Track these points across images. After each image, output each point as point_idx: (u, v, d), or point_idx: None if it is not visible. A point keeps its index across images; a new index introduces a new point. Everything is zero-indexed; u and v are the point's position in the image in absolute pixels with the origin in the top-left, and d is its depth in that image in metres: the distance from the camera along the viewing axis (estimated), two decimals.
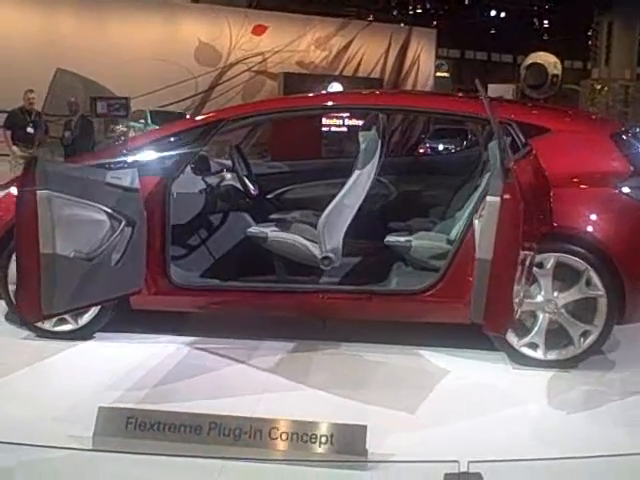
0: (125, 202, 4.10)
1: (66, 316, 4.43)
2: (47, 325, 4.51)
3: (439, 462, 2.99)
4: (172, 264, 4.55)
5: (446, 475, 2.87)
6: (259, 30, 22.88)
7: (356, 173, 4.57)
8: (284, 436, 3.12)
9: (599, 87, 24.12)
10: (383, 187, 5.62)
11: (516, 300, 3.62)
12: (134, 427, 3.20)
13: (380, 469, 3.11)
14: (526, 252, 3.67)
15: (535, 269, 4.07)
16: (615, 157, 4.38)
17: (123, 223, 4.04)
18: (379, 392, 3.97)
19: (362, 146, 4.61)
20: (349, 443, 3.10)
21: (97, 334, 4.63)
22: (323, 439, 3.09)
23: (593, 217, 4.28)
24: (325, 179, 5.60)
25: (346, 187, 4.57)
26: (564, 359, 4.28)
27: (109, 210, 4.01)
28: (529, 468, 3.14)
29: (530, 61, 21.69)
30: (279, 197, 5.74)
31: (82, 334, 4.58)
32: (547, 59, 21.51)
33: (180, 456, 3.11)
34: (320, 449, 3.09)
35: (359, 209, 4.63)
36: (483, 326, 3.64)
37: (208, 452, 3.13)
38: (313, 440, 3.09)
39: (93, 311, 4.50)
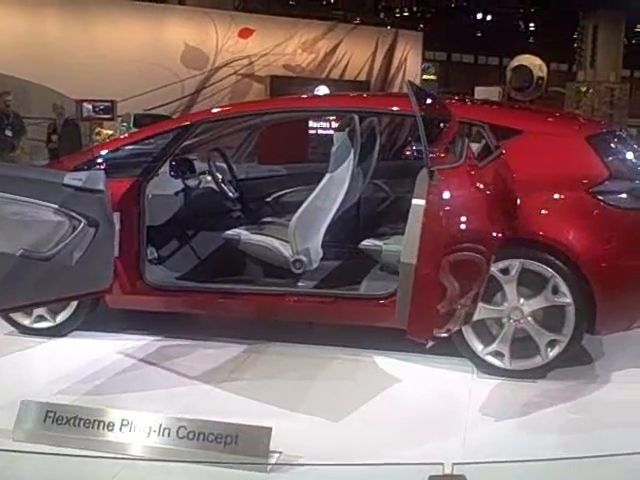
0: (86, 203, 4.11)
1: (44, 313, 4.61)
2: (27, 322, 4.66)
3: (423, 464, 3.00)
4: (147, 265, 4.60)
5: (431, 477, 2.87)
6: (246, 33, 22.87)
7: (327, 176, 4.57)
8: (191, 435, 3.12)
9: (584, 89, 24.26)
10: (378, 190, 5.61)
11: (455, 307, 3.52)
12: (52, 421, 3.26)
13: (283, 471, 3.09)
14: (472, 256, 3.57)
15: (500, 275, 4.01)
16: (589, 160, 4.18)
17: (83, 223, 4.06)
18: (310, 394, 3.95)
19: (332, 148, 4.59)
20: (253, 444, 3.09)
21: (78, 332, 4.72)
22: (228, 439, 3.09)
23: (561, 222, 4.10)
24: (311, 183, 5.60)
25: (317, 190, 4.57)
26: (531, 369, 4.11)
27: (65, 210, 4.02)
28: (513, 470, 3.15)
29: (516, 63, 21.77)
30: (262, 200, 5.74)
31: (59, 331, 4.69)
32: (533, 62, 21.59)
33: (78, 456, 3.14)
34: (225, 449, 3.09)
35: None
36: (407, 331, 3.51)
37: (117, 449, 3.16)
38: (219, 440, 3.10)
39: (69, 309, 4.62)
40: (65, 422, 3.24)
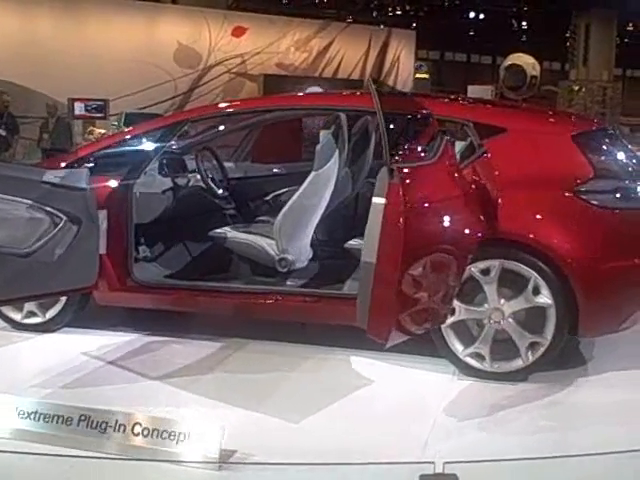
0: (67, 200, 4.13)
1: (35, 309, 4.67)
2: (18, 317, 4.75)
3: (414, 463, 3.00)
4: (135, 263, 4.63)
5: (422, 476, 2.88)
6: (238, 32, 22.81)
7: (312, 174, 4.56)
8: (145, 432, 3.15)
9: (577, 88, 24.29)
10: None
11: (421, 307, 3.50)
12: (16, 415, 3.29)
13: (234, 470, 3.09)
14: (440, 256, 3.54)
15: (480, 276, 3.97)
16: (574, 159, 4.10)
17: (64, 220, 4.08)
18: (279, 393, 3.97)
19: (317, 147, 4.57)
20: (205, 442, 3.10)
21: (68, 329, 4.79)
22: (181, 437, 3.11)
23: (542, 222, 4.02)
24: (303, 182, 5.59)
25: (301, 189, 4.57)
26: (512, 371, 4.05)
27: (43, 207, 4.04)
28: (504, 468, 3.15)
29: (509, 62, 21.77)
30: (255, 199, 5.73)
31: (48, 327, 4.75)
32: (526, 60, 21.60)
33: (31, 454, 3.17)
34: (177, 446, 3.11)
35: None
36: (366, 331, 3.49)
37: (74, 444, 3.19)
38: (172, 437, 3.12)
39: (57, 306, 4.68)
40: (26, 416, 3.27)
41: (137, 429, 3.15)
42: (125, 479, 3.08)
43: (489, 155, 4.10)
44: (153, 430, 3.14)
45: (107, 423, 3.20)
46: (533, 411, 3.77)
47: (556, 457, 3.23)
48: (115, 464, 3.12)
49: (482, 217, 3.86)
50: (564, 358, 4.25)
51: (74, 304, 4.69)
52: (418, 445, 3.29)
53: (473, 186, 3.99)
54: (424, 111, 4.20)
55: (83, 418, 3.23)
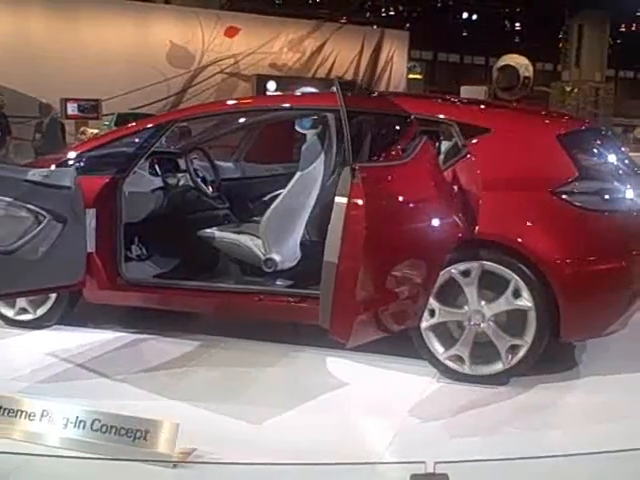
0: (51, 198, 4.15)
1: (27, 306, 4.73)
2: (10, 313, 4.79)
3: (405, 463, 3.00)
4: (124, 261, 4.64)
5: (413, 476, 2.87)
6: (231, 32, 22.81)
7: (297, 175, 4.55)
8: (104, 428, 3.16)
9: (569, 89, 24.37)
10: None
11: (388, 308, 3.48)
12: None
13: (188, 468, 3.09)
14: (407, 256, 3.52)
15: (460, 277, 3.92)
16: (558, 159, 4.02)
17: (47, 218, 4.10)
18: (250, 392, 3.95)
19: (303, 147, 4.57)
20: (160, 440, 3.10)
21: (58, 326, 4.82)
22: (138, 434, 3.13)
23: (522, 223, 3.95)
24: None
25: (286, 189, 4.56)
26: (492, 375, 3.95)
27: (24, 205, 4.06)
28: (495, 468, 3.15)
29: (502, 63, 21.68)
30: (247, 200, 5.72)
31: (39, 324, 4.79)
32: (519, 61, 21.52)
33: None
34: (134, 444, 3.12)
35: None
36: (329, 330, 3.47)
37: (35, 439, 3.20)
38: (129, 435, 3.13)
39: (48, 304, 4.73)
40: None
41: (96, 425, 3.18)
42: (80, 476, 3.09)
43: (472, 156, 4.05)
44: (111, 427, 3.16)
45: (68, 419, 3.22)
46: (507, 412, 3.74)
47: (548, 457, 3.22)
48: (71, 462, 3.11)
49: (461, 218, 3.82)
50: (553, 359, 4.22)
51: (63, 302, 4.73)
52: (382, 445, 3.29)
53: (455, 187, 3.94)
54: (403, 112, 4.19)
55: (45, 413, 3.25)
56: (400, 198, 3.55)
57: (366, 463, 3.13)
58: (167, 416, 3.21)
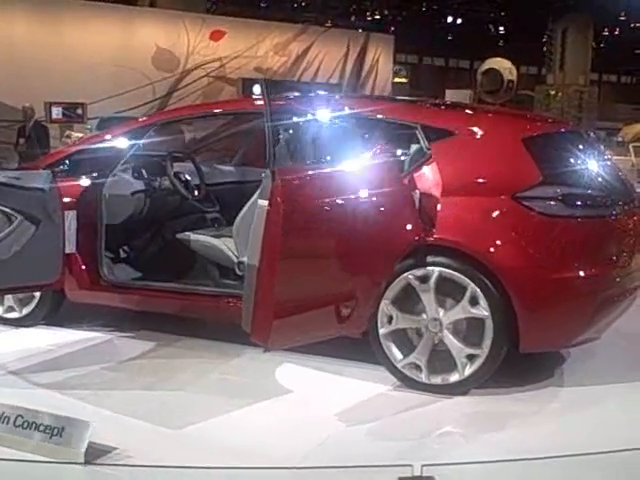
0: (23, 200, 4.23)
1: (14, 304, 4.92)
2: None
3: (392, 466, 3.01)
4: (105, 262, 4.73)
5: (400, 479, 2.89)
6: (217, 36, 22.75)
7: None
8: (25, 425, 3.19)
9: (553, 93, 24.50)
10: None
11: (314, 313, 3.46)
12: None
13: (99, 468, 3.11)
14: (334, 261, 3.49)
15: (417, 284, 3.86)
16: (521, 163, 3.92)
17: (19, 219, 4.18)
18: (198, 395, 3.97)
19: (274, 149, 4.58)
20: (74, 438, 3.12)
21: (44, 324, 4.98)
22: (55, 431, 3.16)
23: (480, 229, 3.86)
24: None
25: (257, 192, 4.57)
26: (449, 384, 3.88)
27: None
28: (482, 470, 3.17)
29: (486, 67, 21.94)
30: (232, 203, 5.72)
31: (24, 322, 4.94)
32: (503, 65, 21.77)
33: None
34: (51, 441, 3.14)
35: None
36: (250, 334, 3.48)
37: None
38: (47, 432, 3.16)
39: (32, 303, 4.85)
40: None
41: (19, 421, 3.22)
42: None
43: (435, 159, 3.98)
44: (32, 423, 3.19)
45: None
46: (430, 420, 3.72)
47: (538, 459, 3.24)
48: None
49: (414, 223, 3.76)
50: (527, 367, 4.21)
51: (47, 302, 4.84)
52: (311, 450, 3.31)
53: (414, 191, 3.87)
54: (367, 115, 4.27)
55: None
56: (324, 202, 3.50)
57: (352, 466, 3.14)
58: (97, 416, 3.31)
